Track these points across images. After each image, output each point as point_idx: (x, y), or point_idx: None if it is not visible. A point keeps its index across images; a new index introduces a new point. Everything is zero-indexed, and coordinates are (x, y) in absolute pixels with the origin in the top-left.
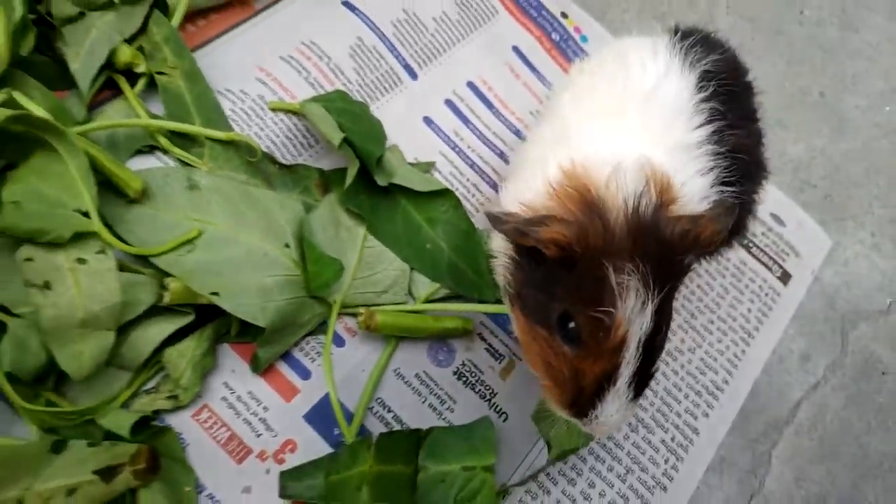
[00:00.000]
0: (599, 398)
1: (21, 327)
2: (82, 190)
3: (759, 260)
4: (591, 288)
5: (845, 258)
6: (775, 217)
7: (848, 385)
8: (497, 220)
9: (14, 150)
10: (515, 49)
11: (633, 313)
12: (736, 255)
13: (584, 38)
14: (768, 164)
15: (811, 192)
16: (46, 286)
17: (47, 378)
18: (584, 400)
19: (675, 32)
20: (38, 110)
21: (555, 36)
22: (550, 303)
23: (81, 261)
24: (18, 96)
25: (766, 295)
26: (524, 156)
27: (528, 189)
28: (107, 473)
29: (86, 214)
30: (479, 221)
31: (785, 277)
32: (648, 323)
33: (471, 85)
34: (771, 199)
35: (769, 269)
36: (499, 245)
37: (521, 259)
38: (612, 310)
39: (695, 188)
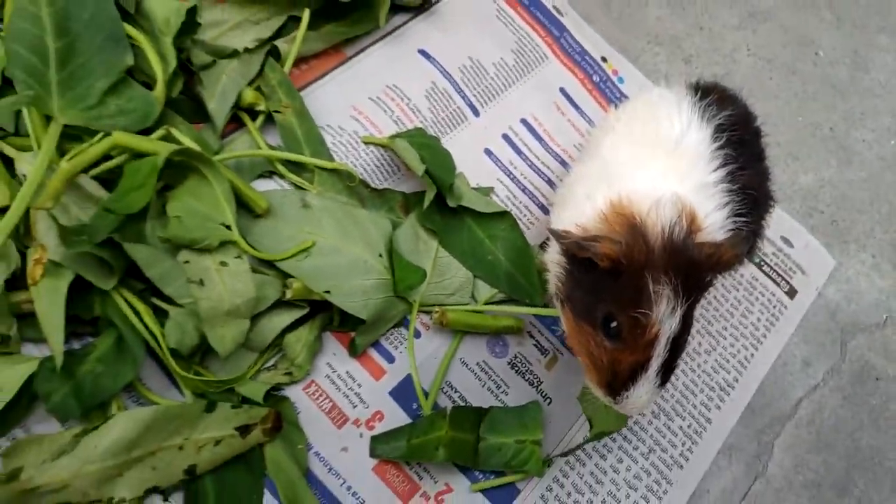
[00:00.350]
0: (633, 382)
1: (180, 314)
2: (225, 207)
3: (769, 276)
4: (632, 294)
5: (847, 276)
6: (785, 239)
7: (844, 387)
8: (559, 237)
9: (172, 174)
10: (562, 90)
11: (664, 316)
12: (749, 271)
13: (621, 80)
14: (775, 195)
15: (818, 217)
16: (201, 283)
17: (196, 355)
18: (618, 384)
19: (696, 90)
20: (191, 144)
21: (595, 78)
22: (597, 304)
23: (224, 263)
24: (175, 132)
25: (774, 307)
26: (573, 188)
27: (581, 214)
28: (244, 430)
29: (227, 227)
30: (531, 237)
31: (792, 292)
32: (676, 325)
33: (524, 121)
34: (781, 223)
35: (778, 284)
36: (552, 257)
37: (572, 268)
38: (648, 312)
39: (715, 219)
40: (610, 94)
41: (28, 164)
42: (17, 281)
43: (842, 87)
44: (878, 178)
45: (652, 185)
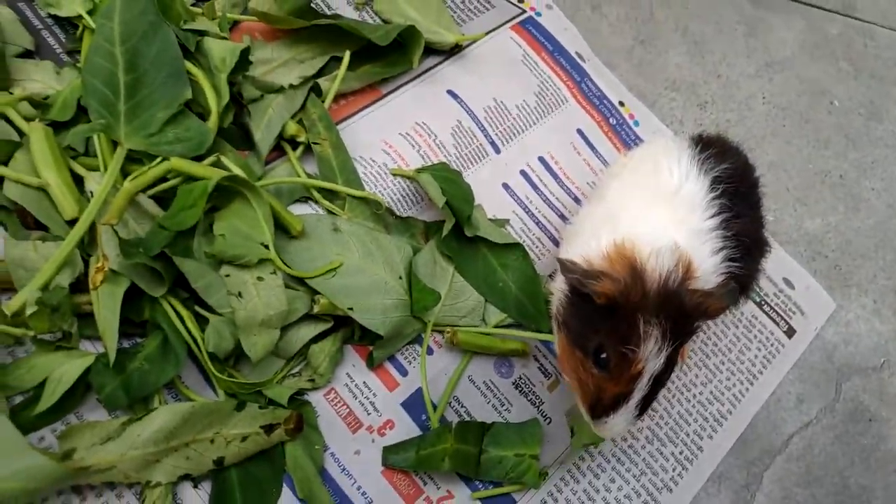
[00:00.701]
0: (614, 410)
1: (219, 322)
2: (265, 228)
3: (768, 315)
4: (623, 331)
5: (847, 320)
6: (787, 281)
7: (837, 426)
8: (566, 268)
9: (218, 196)
10: (579, 131)
11: (650, 355)
12: (749, 309)
13: (637, 123)
14: (770, 241)
15: (822, 261)
16: (239, 295)
17: (230, 359)
18: (600, 409)
19: (698, 143)
20: (239, 171)
21: (612, 120)
22: (590, 335)
23: (261, 278)
24: (224, 160)
25: (772, 345)
26: (582, 225)
27: (588, 250)
28: (268, 429)
29: (266, 246)
30: (541, 268)
31: (790, 332)
32: (660, 364)
33: (541, 159)
34: (784, 265)
35: (776, 323)
36: (557, 285)
37: (574, 297)
38: (636, 349)
39: (709, 264)
40: (625, 136)
41: (95, 183)
42: (80, 285)
43: (854, 135)
44: (884, 226)
45: (653, 230)
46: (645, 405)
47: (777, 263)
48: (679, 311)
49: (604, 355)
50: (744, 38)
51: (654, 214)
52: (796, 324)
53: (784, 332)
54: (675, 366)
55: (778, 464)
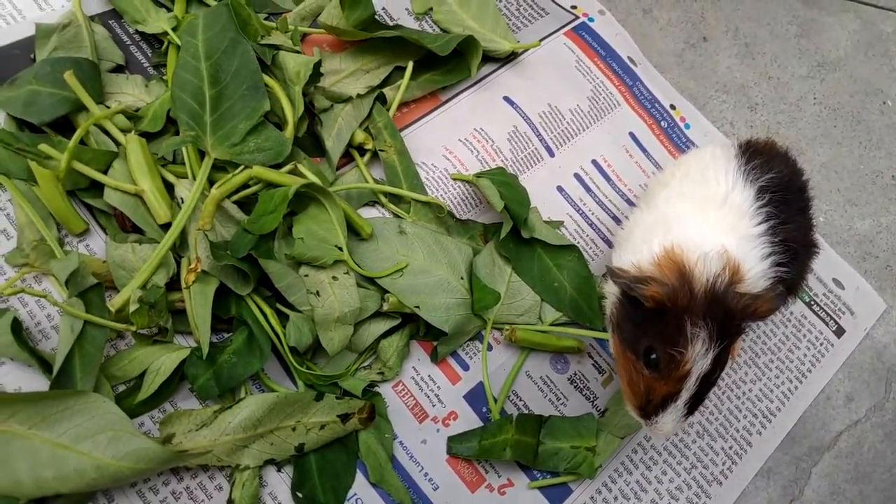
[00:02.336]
0: (663, 410)
1: (299, 319)
2: (338, 231)
3: (818, 315)
4: (672, 333)
5: None
6: (836, 281)
7: (886, 424)
8: (615, 274)
9: (297, 202)
10: (631, 134)
11: (698, 355)
12: (798, 309)
13: (688, 126)
14: (819, 242)
15: (872, 262)
16: (317, 294)
17: (308, 352)
18: (650, 409)
19: (745, 151)
20: (314, 178)
21: (663, 124)
22: (641, 337)
23: (335, 278)
24: (301, 168)
25: (821, 344)
26: (633, 232)
27: (639, 256)
28: (344, 418)
29: (339, 248)
30: (595, 268)
31: (839, 332)
32: (708, 364)
33: (594, 162)
34: (834, 266)
35: (826, 323)
36: (611, 289)
37: (625, 301)
38: (684, 350)
39: (758, 269)
40: (676, 139)
41: (185, 190)
42: (173, 283)
43: None
44: None
45: (702, 236)
46: (693, 404)
47: (827, 264)
48: (726, 312)
49: (654, 356)
50: (795, 38)
51: (703, 221)
52: (845, 323)
53: (833, 331)
54: (724, 365)
55: (826, 460)
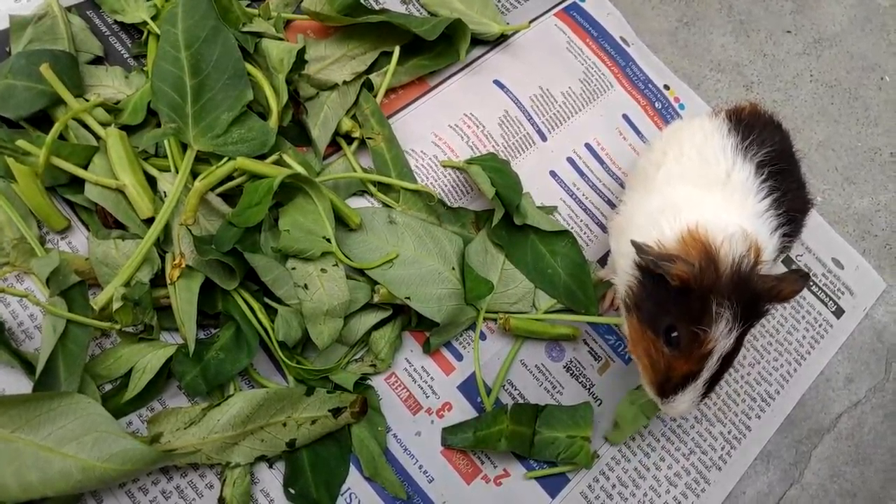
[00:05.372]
0: (682, 388)
1: (287, 313)
2: (325, 223)
3: (816, 296)
4: (696, 311)
5: None
6: (836, 261)
7: (887, 405)
8: (641, 250)
9: (282, 193)
10: (625, 116)
11: (721, 335)
12: None
13: (682, 106)
14: (811, 197)
15: (871, 241)
16: (305, 287)
17: (298, 347)
18: (669, 387)
19: (737, 124)
20: (300, 168)
21: (657, 104)
22: (663, 315)
23: (324, 270)
24: (287, 158)
25: (820, 325)
26: (634, 218)
27: (649, 240)
28: (336, 412)
29: (327, 239)
30: (589, 254)
31: (839, 312)
32: (730, 344)
33: (587, 145)
34: (833, 245)
35: (825, 304)
36: (625, 267)
37: (645, 280)
38: (707, 329)
39: (770, 245)
40: (671, 120)
41: (167, 183)
42: (158, 280)
43: None
44: None
45: (718, 217)
46: (712, 384)
47: (826, 243)
48: (751, 294)
49: (675, 334)
50: (791, 14)
51: (714, 202)
52: (845, 304)
53: (832, 312)
54: (741, 347)
55: (826, 443)
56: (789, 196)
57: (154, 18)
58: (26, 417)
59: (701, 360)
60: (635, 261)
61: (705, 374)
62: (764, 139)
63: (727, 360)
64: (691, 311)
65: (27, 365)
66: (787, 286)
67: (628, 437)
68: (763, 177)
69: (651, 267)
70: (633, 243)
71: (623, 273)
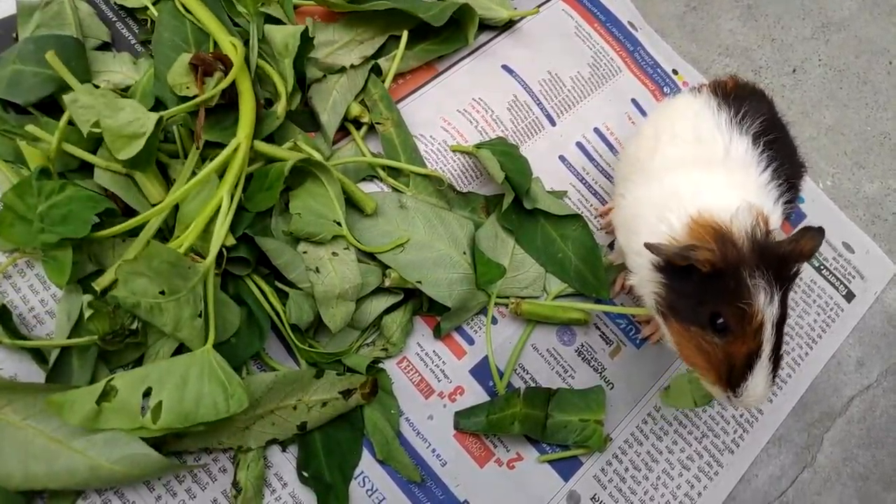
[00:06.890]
0: (749, 371)
1: (299, 296)
2: (336, 207)
3: (827, 280)
4: (733, 289)
5: None
6: (846, 245)
7: None
8: (658, 249)
9: (291, 177)
10: (633, 101)
11: (765, 304)
12: (807, 274)
13: None
14: (804, 161)
15: (881, 225)
16: (317, 270)
17: (310, 330)
18: (736, 375)
19: (725, 99)
20: (313, 153)
21: (666, 89)
22: (700, 307)
23: (335, 254)
24: (300, 143)
25: (832, 309)
26: (640, 211)
27: (658, 234)
28: (346, 394)
29: (338, 223)
30: (599, 238)
31: (849, 296)
32: (777, 310)
33: (596, 130)
34: (843, 229)
35: (836, 288)
36: (645, 276)
37: (670, 280)
38: (751, 301)
39: (775, 214)
40: None
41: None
42: None
43: None
44: None
45: (721, 197)
46: (776, 358)
47: (836, 227)
48: (775, 258)
49: (721, 320)
50: None
51: (716, 182)
52: (855, 288)
53: (843, 295)
54: (787, 311)
55: (839, 426)
56: (786, 164)
57: (155, 3)
58: (39, 407)
59: (756, 334)
60: (654, 263)
61: (766, 348)
62: (755, 110)
63: (780, 328)
64: (729, 291)
65: (37, 354)
66: (806, 242)
67: (674, 408)
68: (760, 148)
69: (677, 261)
70: (648, 246)
71: (644, 280)
